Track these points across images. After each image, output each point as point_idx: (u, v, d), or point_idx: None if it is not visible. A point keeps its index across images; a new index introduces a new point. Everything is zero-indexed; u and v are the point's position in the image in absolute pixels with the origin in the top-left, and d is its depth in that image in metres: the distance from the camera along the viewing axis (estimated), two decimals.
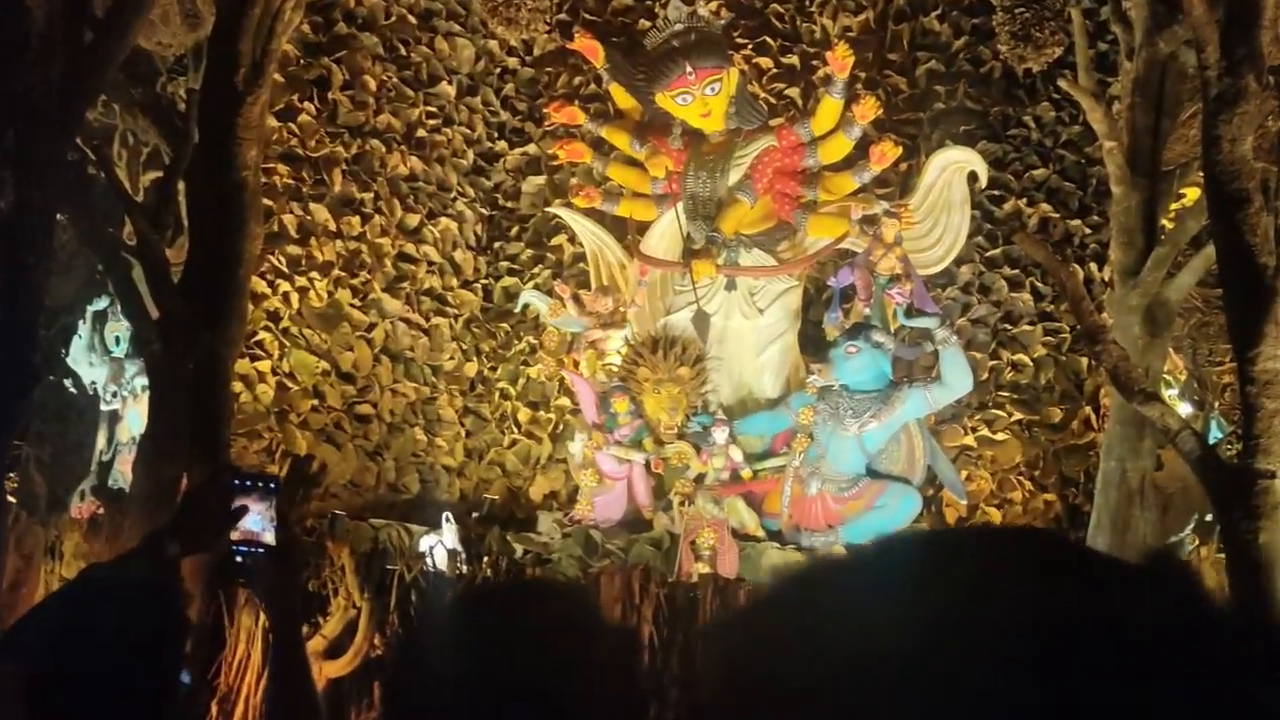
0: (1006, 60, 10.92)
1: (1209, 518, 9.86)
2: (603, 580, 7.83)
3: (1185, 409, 9.60)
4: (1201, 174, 10.39)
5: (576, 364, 10.41)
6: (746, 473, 9.68)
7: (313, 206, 10.30)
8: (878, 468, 9.32)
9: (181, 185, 8.98)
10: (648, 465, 9.74)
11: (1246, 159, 6.64)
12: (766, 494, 9.64)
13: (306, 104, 10.31)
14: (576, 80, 11.68)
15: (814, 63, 11.44)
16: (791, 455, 9.47)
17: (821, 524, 9.28)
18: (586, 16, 11.63)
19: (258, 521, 2.50)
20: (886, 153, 9.71)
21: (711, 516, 9.12)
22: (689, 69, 9.84)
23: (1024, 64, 10.45)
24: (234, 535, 2.49)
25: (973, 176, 10.11)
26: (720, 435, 9.60)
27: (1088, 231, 10.88)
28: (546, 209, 11.47)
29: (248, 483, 2.55)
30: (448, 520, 9.30)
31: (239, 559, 2.48)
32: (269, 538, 2.51)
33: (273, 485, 2.56)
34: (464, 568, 8.44)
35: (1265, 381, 6.49)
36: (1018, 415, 10.77)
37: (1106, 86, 10.25)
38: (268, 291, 10.02)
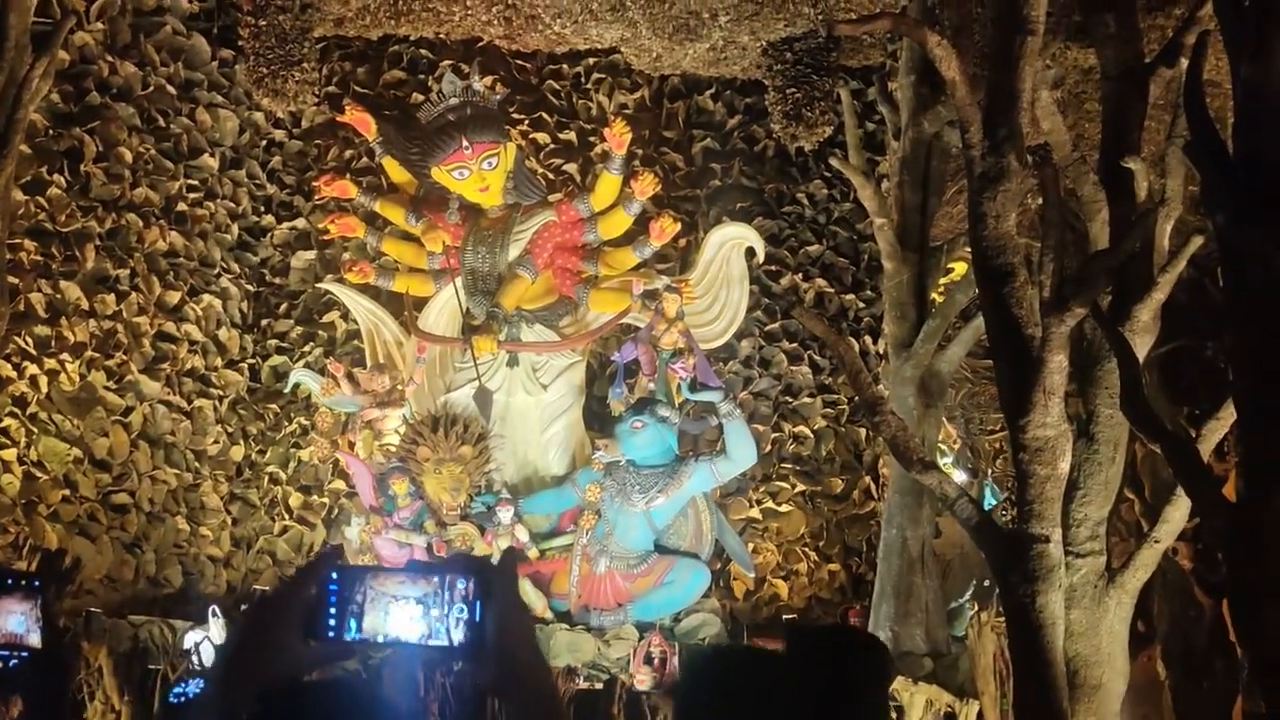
0: (779, 139, 11.17)
1: (987, 582, 10.13)
2: (384, 672, 7.44)
3: (960, 476, 9.86)
4: (968, 249, 10.86)
5: (351, 445, 10.01)
6: (533, 553, 9.45)
7: (63, 284, 9.65)
8: (666, 543, 9.24)
9: None
10: (430, 549, 9.39)
11: (1011, 235, 6.86)
12: (554, 574, 9.43)
13: (56, 176, 9.69)
14: (348, 153, 11.38)
15: (591, 139, 11.47)
16: (579, 533, 9.31)
17: (611, 602, 9.12)
18: (357, 89, 11.37)
19: (20, 623, 2.20)
20: (666, 228, 9.73)
21: None
22: (465, 143, 9.69)
23: (796, 142, 10.70)
24: None
25: (750, 252, 10.24)
26: (505, 515, 9.36)
27: (861, 305, 11.16)
28: (317, 285, 11.07)
29: (7, 581, 2.25)
30: (214, 614, 8.73)
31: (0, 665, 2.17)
32: (34, 640, 2.22)
33: (36, 584, 2.26)
34: None
35: (1036, 449, 6.66)
36: (801, 486, 10.89)
37: (875, 165, 10.58)
38: (13, 375, 9.31)
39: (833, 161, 10.29)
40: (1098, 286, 6.24)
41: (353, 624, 1.73)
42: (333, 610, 1.72)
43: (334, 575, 1.75)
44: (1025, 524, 6.61)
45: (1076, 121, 9.43)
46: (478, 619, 1.75)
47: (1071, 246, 10.17)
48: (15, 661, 2.18)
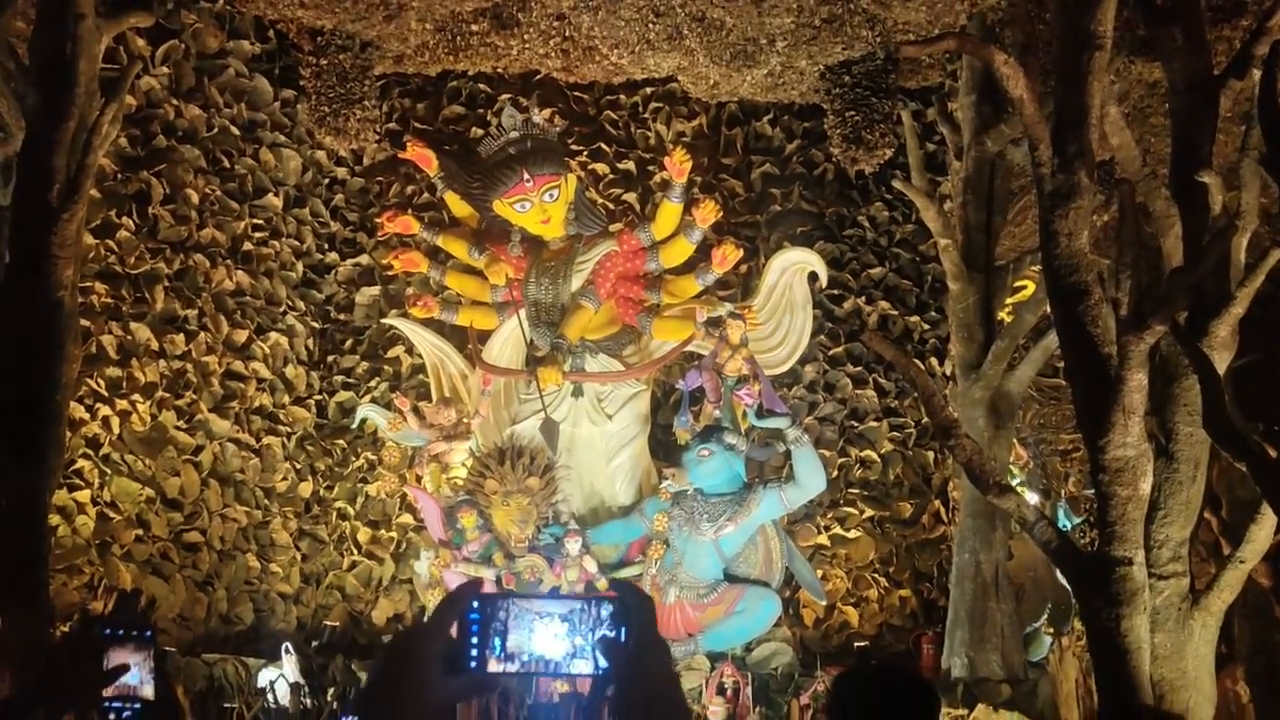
0: (839, 162, 11.12)
1: (1061, 606, 9.97)
2: (459, 707, 7.42)
3: (1032, 498, 9.70)
4: (1034, 268, 10.75)
5: (419, 479, 10.04)
6: (602, 583, 9.39)
7: (133, 325, 9.77)
8: (735, 572, 9.16)
9: None
10: (499, 581, 9.37)
11: (1083, 252, 6.77)
12: None
13: (125, 219, 9.82)
14: (409, 189, 11.47)
15: (650, 168, 11.49)
16: (647, 563, 9.25)
17: (681, 632, 9.05)
18: (417, 125, 11.47)
19: (134, 675, 2.18)
20: (728, 255, 9.70)
21: None
22: (526, 176, 9.72)
23: (856, 165, 10.64)
24: (108, 691, 2.15)
25: (813, 276, 10.18)
26: (573, 546, 9.33)
27: (926, 327, 11.06)
28: (382, 320, 11.14)
29: (119, 632, 2.22)
30: (287, 651, 8.79)
31: (113, 717, 2.14)
32: (147, 691, 2.19)
33: (148, 634, 2.24)
34: (307, 701, 7.92)
35: (1116, 469, 6.55)
36: (869, 512, 10.79)
37: (937, 185, 10.50)
38: (86, 416, 9.41)
39: (895, 183, 10.22)
40: (1177, 303, 6.13)
41: (497, 644, 1.70)
42: (474, 640, 1.69)
43: (475, 604, 1.72)
44: (1107, 546, 6.49)
45: (1142, 136, 9.29)
46: (621, 642, 1.72)
47: (1144, 263, 10.04)
48: (129, 713, 2.16)
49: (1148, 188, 7.93)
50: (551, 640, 1.73)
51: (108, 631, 2.23)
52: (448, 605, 1.70)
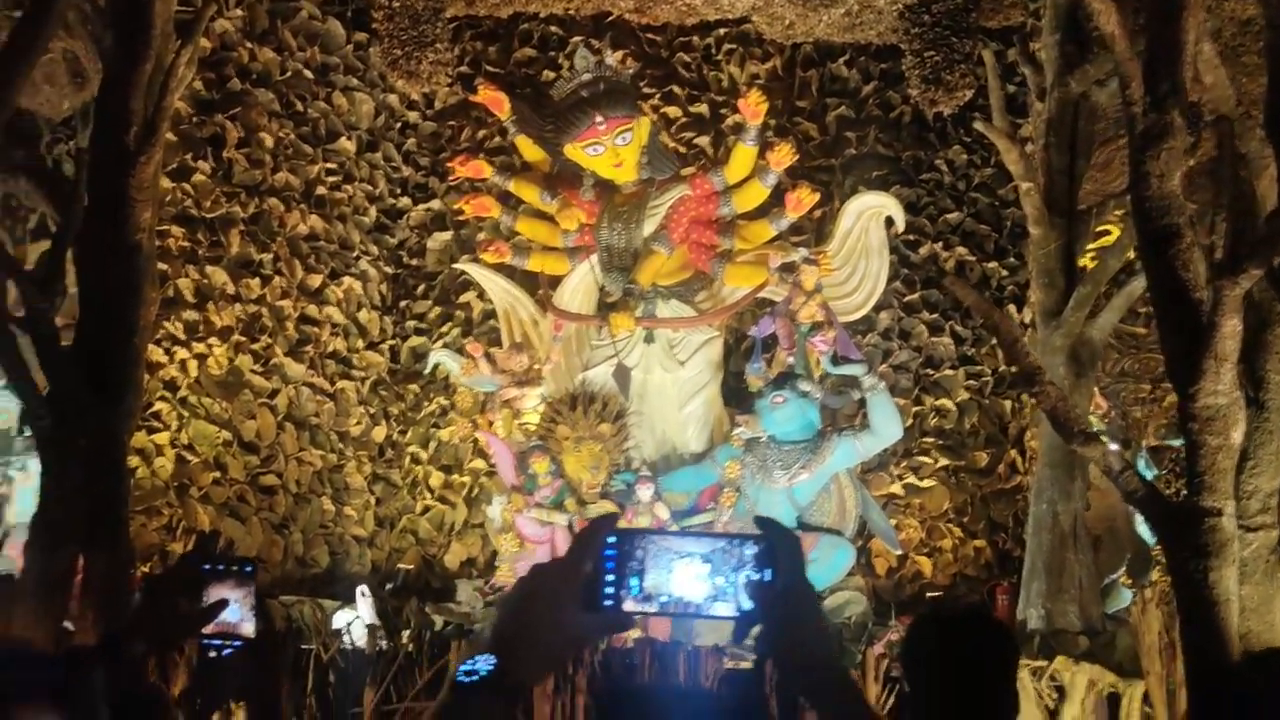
0: (916, 104, 10.89)
1: (1139, 558, 9.81)
2: (486, 633, 7.44)
3: (1113, 448, 9.49)
4: (1118, 213, 10.48)
5: (491, 424, 10.04)
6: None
7: (210, 269, 9.83)
8: (809, 520, 9.07)
9: (70, 251, 8.45)
10: (571, 527, 9.37)
11: (1175, 194, 6.55)
12: None
13: (201, 163, 9.87)
14: (481, 133, 11.40)
15: (722, 111, 11.33)
16: (719, 511, 9.20)
17: None
18: (489, 69, 11.38)
19: (234, 611, 2.12)
20: (803, 199, 9.54)
21: None
22: (599, 119, 9.60)
23: (935, 107, 10.41)
24: (208, 629, 2.10)
25: (889, 221, 10.00)
26: (645, 492, 9.30)
27: (1004, 274, 10.84)
28: (453, 265, 11.12)
29: (220, 567, 2.16)
30: (363, 594, 8.86)
31: (213, 654, 2.09)
32: (247, 629, 2.14)
33: (249, 570, 2.18)
34: (383, 643, 7.98)
35: (1207, 418, 6.36)
36: (944, 461, 10.64)
37: (1018, 128, 10.24)
38: (164, 360, 9.51)
39: (976, 125, 9.96)
40: (1276, 247, 5.93)
41: (634, 583, 1.60)
42: (610, 578, 1.61)
43: (612, 539, 1.63)
44: (1196, 496, 6.33)
45: (1234, 76, 8.97)
46: (767, 583, 1.62)
47: (1237, 206, 9.75)
48: (229, 650, 2.11)
49: (1241, 129, 7.66)
50: (691, 581, 1.63)
51: (207, 566, 2.17)
52: (584, 540, 1.62)
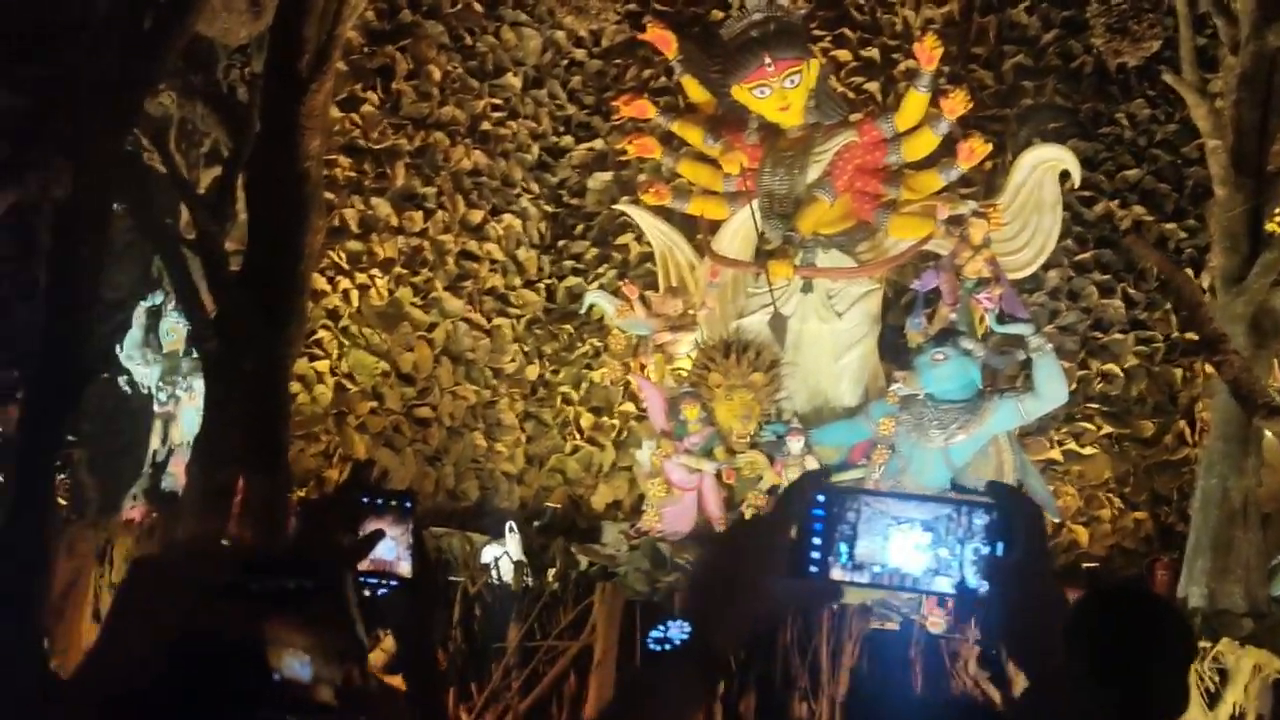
0: (1099, 54, 10.42)
1: None
2: (677, 597, 7.41)
3: None
4: None
5: (643, 368, 9.99)
6: None
7: (374, 201, 9.97)
8: (963, 482, 8.80)
9: (241, 177, 8.63)
10: (719, 475, 9.30)
11: None
12: None
13: (370, 94, 9.99)
14: (646, 73, 11.30)
15: (894, 56, 11.02)
16: (870, 468, 9.00)
17: None
18: (657, 7, 11.23)
19: (391, 549, 2.02)
20: (975, 149, 9.20)
21: None
22: (768, 60, 9.38)
23: (1119, 58, 9.93)
24: (362, 565, 1.99)
25: (1064, 176, 9.59)
26: (795, 445, 9.15)
27: (1183, 235, 10.34)
28: (613, 206, 11.07)
29: (379, 501, 2.06)
30: (511, 530, 8.94)
31: (368, 594, 1.99)
32: (404, 569, 2.03)
33: (408, 504, 2.07)
34: (529, 580, 8.04)
35: None
36: (1107, 429, 10.26)
37: (1207, 83, 9.70)
38: (327, 289, 9.69)
39: (1165, 77, 9.46)
40: None
41: (843, 550, 1.41)
42: (816, 541, 1.45)
43: (820, 498, 1.43)
44: None
45: None
46: (999, 558, 1.41)
47: None
48: (384, 590, 2.02)
49: None
50: (910, 551, 1.43)
51: (366, 499, 2.07)
52: (790, 497, 1.46)
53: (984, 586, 1.42)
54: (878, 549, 1.43)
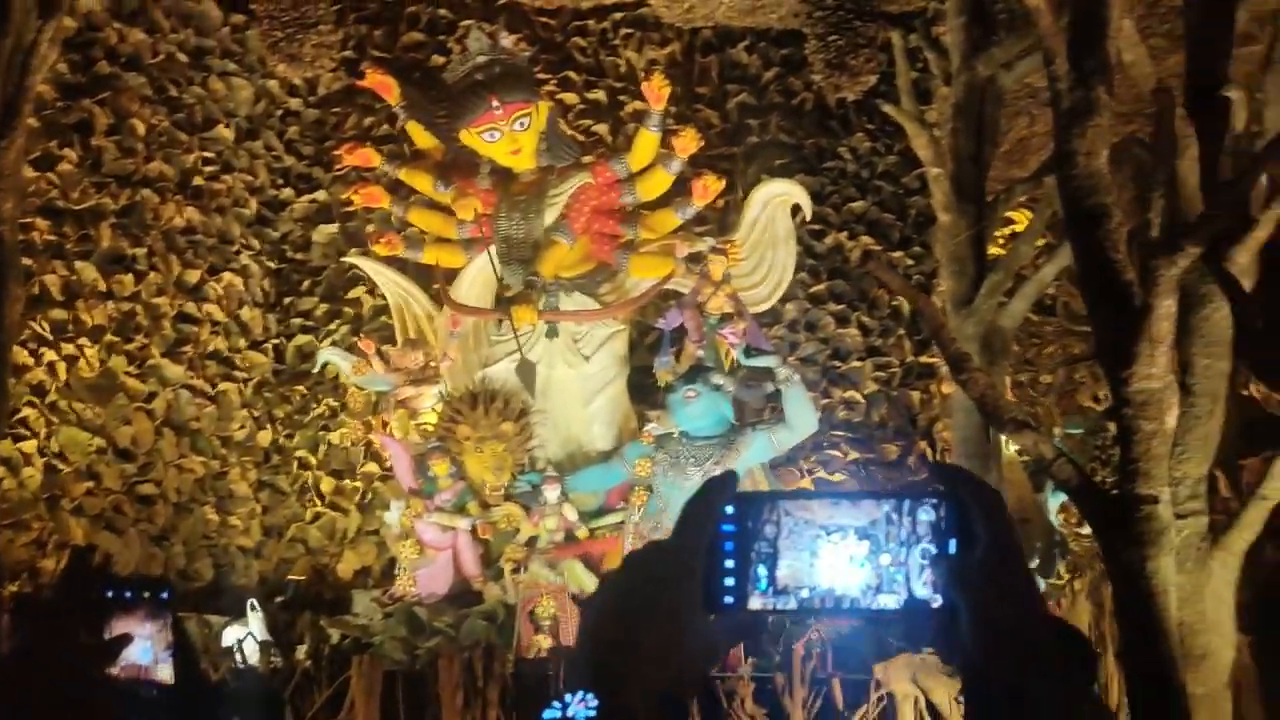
0: (818, 91, 10.69)
1: (1048, 551, 9.75)
2: (440, 664, 7.01)
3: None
4: (1024, 198, 10.38)
5: (386, 425, 9.54)
6: (582, 532, 8.99)
7: (78, 265, 9.18)
8: None
9: None
10: (474, 531, 8.95)
11: (1102, 173, 6.38)
12: (605, 554, 8.96)
13: (67, 151, 9.21)
14: (367, 120, 10.91)
15: (621, 98, 11.00)
16: (630, 510, 8.83)
17: None
18: (374, 53, 10.87)
19: (145, 651, 1.62)
20: (709, 186, 9.23)
21: (548, 582, 8.42)
22: (495, 103, 9.16)
23: (838, 93, 10.19)
24: (112, 671, 1.57)
25: (795, 209, 9.74)
26: (551, 493, 8.89)
27: (910, 263, 10.67)
28: (342, 259, 10.59)
29: (126, 593, 1.65)
30: (253, 608, 8.32)
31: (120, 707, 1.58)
32: (164, 673, 1.64)
33: (164, 595, 1.67)
34: (278, 660, 7.47)
35: (1141, 402, 6.19)
36: (853, 454, 10.45)
37: (923, 113, 10.07)
38: (30, 362, 8.85)
39: (885, 108, 9.75)
40: (1217, 223, 5.77)
41: (761, 573, 1.13)
42: (729, 564, 1.13)
43: (729, 510, 1.15)
44: (1130, 484, 6.15)
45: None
46: (957, 559, 1.15)
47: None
48: (142, 700, 1.62)
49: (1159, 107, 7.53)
50: (844, 566, 1.16)
51: (109, 591, 1.67)
52: (693, 512, 1.15)
53: (937, 599, 1.15)
54: (804, 568, 1.15)
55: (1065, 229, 6.62)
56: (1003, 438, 9.77)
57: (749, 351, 8.60)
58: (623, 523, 8.91)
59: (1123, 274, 6.28)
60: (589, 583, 8.73)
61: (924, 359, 10.69)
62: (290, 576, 10.09)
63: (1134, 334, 6.16)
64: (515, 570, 8.66)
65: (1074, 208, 6.44)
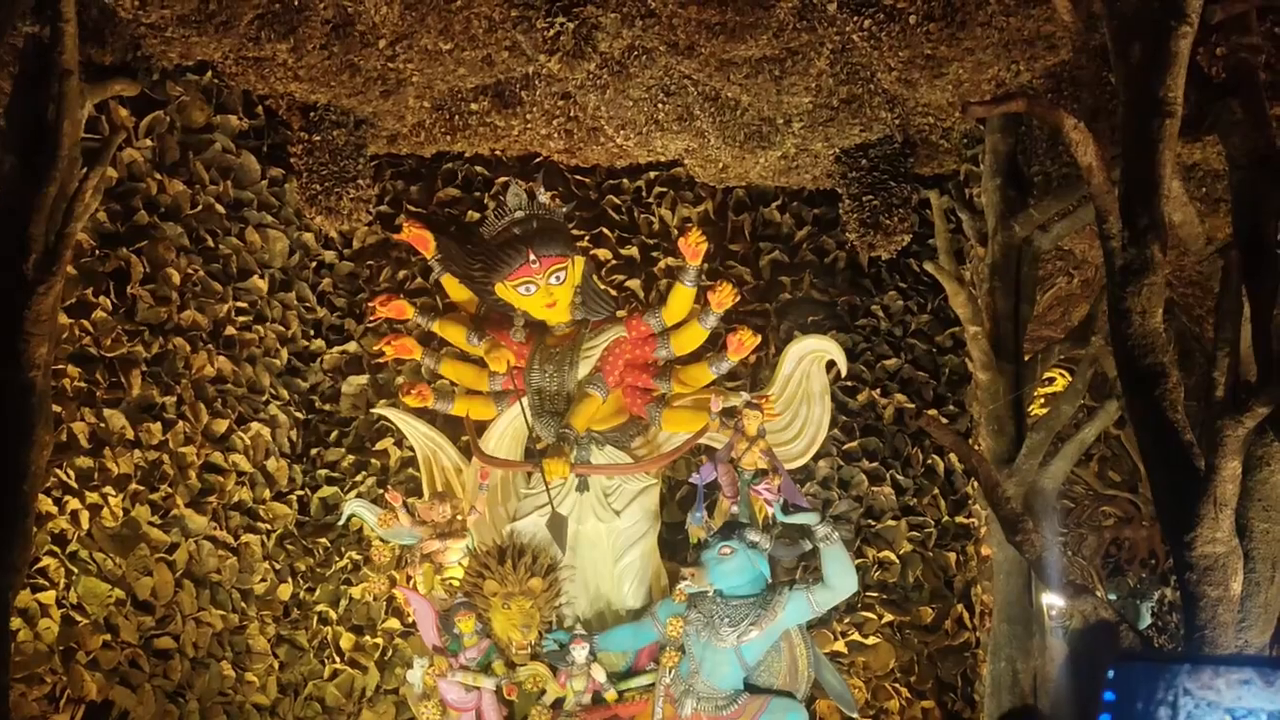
0: (850, 249, 10.74)
1: None
2: None
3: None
4: (1062, 358, 10.33)
5: (410, 580, 9.32)
6: (611, 694, 8.69)
7: (107, 412, 9.08)
8: (756, 681, 8.44)
9: None
10: (499, 691, 8.64)
11: (1158, 332, 6.33)
12: (634, 717, 8.66)
13: (102, 298, 9.18)
14: (401, 273, 10.94)
15: (654, 254, 11.06)
16: (661, 672, 8.53)
17: None
18: (410, 208, 10.97)
19: None
20: (745, 341, 9.15)
21: None
22: (532, 257, 9.16)
23: (873, 251, 10.22)
24: None
25: (830, 365, 9.66)
26: (580, 653, 8.62)
27: (945, 421, 10.54)
28: (371, 410, 10.50)
29: None
30: None
31: None
32: None
33: None
34: None
35: (1205, 568, 6.02)
36: (888, 616, 10.17)
37: (961, 272, 10.11)
38: (53, 510, 8.68)
39: (927, 266, 9.78)
40: None
41: None
42: None
43: (1110, 675, 0.98)
44: (1197, 653, 5.95)
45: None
46: None
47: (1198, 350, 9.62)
48: None
49: (1211, 268, 7.50)
50: None
51: None
52: (1077, 668, 0.98)
53: None
54: None
55: (1121, 389, 6.52)
56: (1044, 602, 9.55)
57: (787, 508, 8.41)
58: (653, 685, 8.60)
59: (1182, 434, 6.16)
60: None
61: (960, 519, 10.50)
62: None
63: (1197, 496, 6.02)
64: None
65: (1130, 367, 6.36)
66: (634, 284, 10.99)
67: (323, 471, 10.66)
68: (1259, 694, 0.94)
